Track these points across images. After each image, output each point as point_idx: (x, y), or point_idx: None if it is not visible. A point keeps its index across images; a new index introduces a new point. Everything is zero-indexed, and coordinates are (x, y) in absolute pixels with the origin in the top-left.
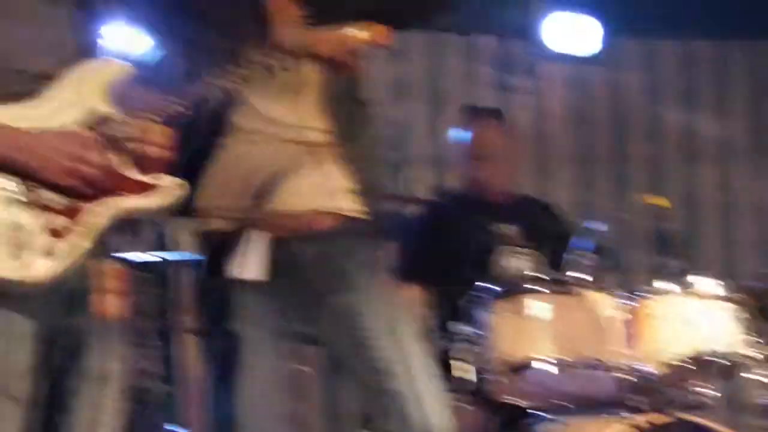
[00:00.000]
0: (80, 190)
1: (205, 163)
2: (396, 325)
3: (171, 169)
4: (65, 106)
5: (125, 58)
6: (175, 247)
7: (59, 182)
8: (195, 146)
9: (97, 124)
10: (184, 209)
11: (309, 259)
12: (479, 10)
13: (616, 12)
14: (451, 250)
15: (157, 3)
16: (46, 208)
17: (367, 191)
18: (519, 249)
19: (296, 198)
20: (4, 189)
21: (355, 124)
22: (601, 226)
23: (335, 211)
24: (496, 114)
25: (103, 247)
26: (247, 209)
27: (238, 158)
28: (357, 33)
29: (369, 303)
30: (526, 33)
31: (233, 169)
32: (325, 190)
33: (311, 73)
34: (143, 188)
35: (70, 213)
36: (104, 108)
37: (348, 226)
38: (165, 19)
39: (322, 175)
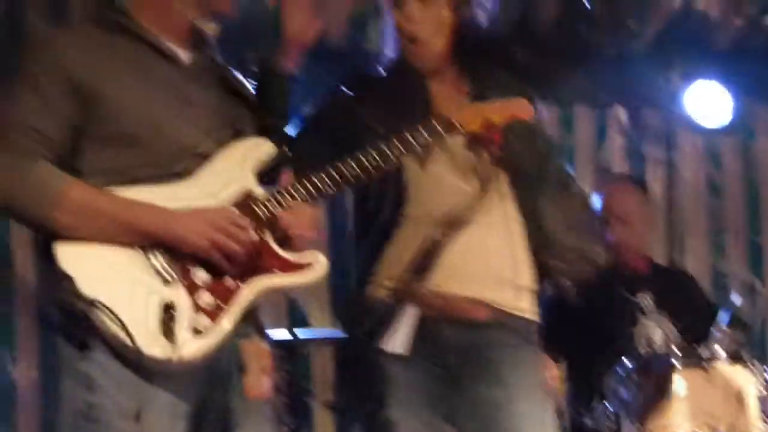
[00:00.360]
0: (227, 267)
1: (375, 239)
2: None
3: (320, 245)
4: (219, 185)
5: (276, 138)
6: (314, 324)
7: (205, 256)
8: (361, 223)
9: (248, 202)
10: (360, 280)
11: (457, 345)
12: (612, 80)
13: (747, 80)
14: (590, 323)
15: (323, 83)
16: (196, 287)
17: (546, 270)
18: (658, 321)
19: (457, 282)
20: (155, 269)
21: (539, 202)
22: (737, 298)
23: (494, 305)
24: (630, 178)
25: (251, 325)
26: (408, 283)
27: (406, 235)
28: (498, 108)
29: (512, 401)
30: (659, 103)
31: (400, 245)
32: (490, 279)
33: (463, 148)
34: (290, 266)
35: (220, 291)
36: (255, 187)
37: (505, 321)
38: (328, 97)
39: (489, 260)
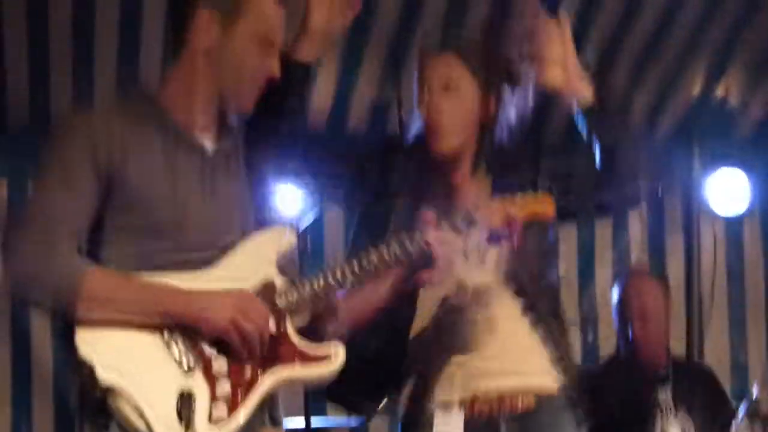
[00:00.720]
0: (243, 351)
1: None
2: None
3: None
4: (241, 275)
5: (299, 224)
6: (331, 411)
7: (223, 337)
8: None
9: (269, 292)
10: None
11: None
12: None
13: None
14: (608, 418)
15: (338, 171)
16: (215, 376)
17: (562, 358)
18: (676, 416)
19: (496, 378)
20: (175, 357)
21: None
22: (756, 390)
23: (533, 390)
24: (649, 273)
25: (266, 412)
26: (437, 375)
27: (436, 324)
28: (521, 204)
29: None
30: (679, 189)
31: (427, 332)
32: (522, 366)
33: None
34: (309, 358)
35: (238, 382)
36: (276, 278)
37: (545, 402)
38: (347, 184)
39: (518, 349)
